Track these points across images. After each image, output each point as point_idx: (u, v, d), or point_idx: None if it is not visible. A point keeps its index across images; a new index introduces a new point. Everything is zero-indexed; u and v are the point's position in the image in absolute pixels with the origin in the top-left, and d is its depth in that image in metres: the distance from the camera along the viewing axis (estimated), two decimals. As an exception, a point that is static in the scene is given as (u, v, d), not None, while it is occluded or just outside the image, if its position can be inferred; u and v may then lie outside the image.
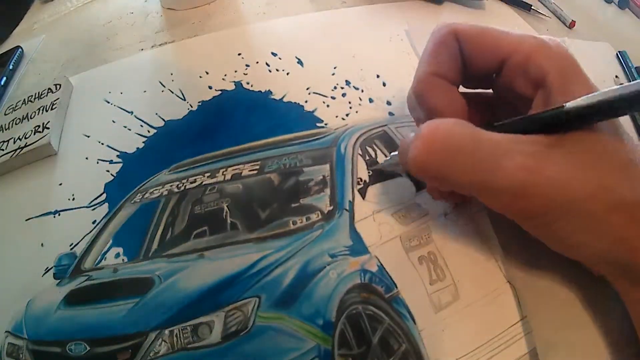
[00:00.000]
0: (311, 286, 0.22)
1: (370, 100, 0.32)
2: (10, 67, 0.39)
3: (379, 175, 0.27)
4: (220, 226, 0.25)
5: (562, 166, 0.17)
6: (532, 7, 0.44)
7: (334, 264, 0.23)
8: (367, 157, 0.28)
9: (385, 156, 0.28)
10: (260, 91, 0.33)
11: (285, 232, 0.24)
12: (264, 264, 0.23)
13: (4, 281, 0.24)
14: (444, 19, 0.42)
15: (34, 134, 0.30)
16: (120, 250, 0.25)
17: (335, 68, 0.34)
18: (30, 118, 0.32)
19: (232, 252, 0.24)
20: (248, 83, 0.33)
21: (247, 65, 0.34)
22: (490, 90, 0.24)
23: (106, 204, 0.27)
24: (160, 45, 0.38)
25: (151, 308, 0.22)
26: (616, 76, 0.38)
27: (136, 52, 0.38)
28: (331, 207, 0.25)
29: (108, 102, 0.33)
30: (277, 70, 0.34)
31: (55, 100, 0.33)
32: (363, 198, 0.26)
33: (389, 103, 0.32)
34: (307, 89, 0.32)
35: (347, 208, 0.25)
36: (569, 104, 0.17)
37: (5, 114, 0.33)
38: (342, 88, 0.33)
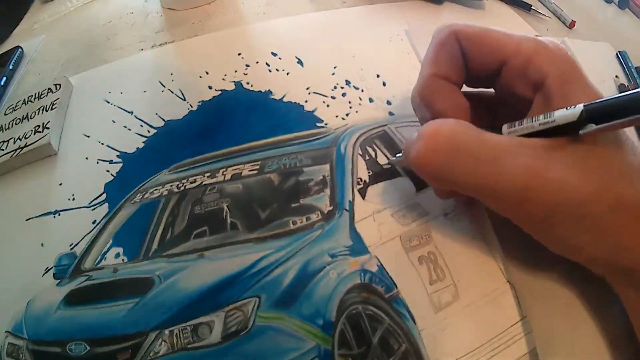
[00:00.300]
0: (311, 286, 0.22)
1: (371, 100, 0.32)
2: (10, 67, 0.39)
3: (379, 175, 0.27)
4: (220, 226, 0.25)
5: (565, 168, 0.17)
6: (532, 7, 0.44)
7: (334, 264, 0.23)
8: (367, 157, 0.28)
9: (385, 156, 0.28)
10: (260, 91, 0.33)
11: (285, 232, 0.24)
12: (264, 264, 0.23)
13: (4, 281, 0.24)
14: (444, 19, 0.42)
15: (34, 134, 0.30)
16: (120, 250, 0.25)
17: (335, 68, 0.34)
18: (30, 118, 0.32)
19: (232, 252, 0.24)
20: (248, 83, 0.33)
21: (247, 65, 0.34)
22: (492, 90, 0.24)
23: (106, 204, 0.27)
24: (160, 45, 0.38)
25: (151, 308, 0.22)
26: (616, 76, 0.38)
27: (136, 52, 0.38)
28: (331, 207, 0.25)
29: (108, 102, 0.33)
30: (277, 70, 0.34)
31: (55, 100, 0.33)
32: (363, 198, 0.26)
33: (389, 103, 0.32)
34: (307, 88, 0.32)
35: (347, 208, 0.25)
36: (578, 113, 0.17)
37: (5, 114, 0.33)
38: (342, 88, 0.33)
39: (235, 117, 0.31)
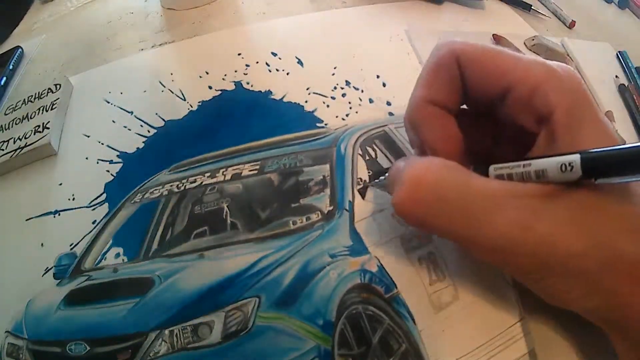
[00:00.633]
0: (311, 286, 0.22)
1: (370, 101, 0.32)
2: (10, 67, 0.39)
3: (379, 175, 0.27)
4: (220, 226, 0.25)
5: (559, 222, 0.16)
6: (532, 7, 0.44)
7: (334, 264, 0.23)
8: (367, 157, 0.28)
9: (385, 156, 0.28)
10: (260, 91, 0.33)
11: (285, 232, 0.24)
12: (264, 264, 0.23)
13: (4, 281, 0.24)
14: (444, 19, 0.42)
15: (34, 134, 0.30)
16: (120, 250, 0.25)
17: (335, 68, 0.34)
18: (30, 118, 0.32)
19: (232, 252, 0.24)
20: (248, 83, 0.33)
21: (247, 65, 0.34)
22: (491, 116, 0.22)
23: (106, 204, 0.27)
24: (160, 45, 0.39)
25: (151, 308, 0.22)
26: (616, 76, 0.38)
27: (136, 52, 0.38)
28: (331, 207, 0.25)
29: (108, 102, 0.33)
30: (277, 70, 0.34)
31: (55, 100, 0.33)
32: (363, 198, 0.26)
33: (389, 103, 0.32)
34: (307, 89, 0.32)
35: (347, 208, 0.25)
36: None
37: (5, 114, 0.33)
38: (342, 88, 0.33)
39: (235, 117, 0.31)
